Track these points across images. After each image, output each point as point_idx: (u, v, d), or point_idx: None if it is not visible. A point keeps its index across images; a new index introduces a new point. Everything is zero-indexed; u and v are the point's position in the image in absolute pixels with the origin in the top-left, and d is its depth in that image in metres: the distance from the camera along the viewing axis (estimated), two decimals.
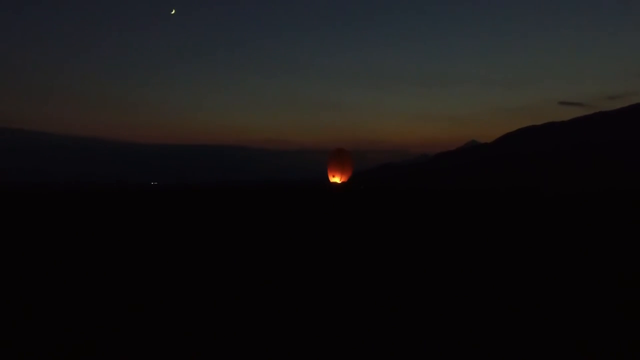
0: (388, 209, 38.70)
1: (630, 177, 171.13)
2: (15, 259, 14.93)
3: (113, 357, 7.03)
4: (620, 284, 11.18)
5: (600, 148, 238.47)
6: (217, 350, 7.24)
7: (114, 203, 54.41)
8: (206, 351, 7.24)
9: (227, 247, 17.58)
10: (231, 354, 7.14)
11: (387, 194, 69.79)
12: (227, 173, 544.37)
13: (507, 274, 12.53)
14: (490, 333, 7.81)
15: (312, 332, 7.95)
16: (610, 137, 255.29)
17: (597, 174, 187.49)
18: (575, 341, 7.48)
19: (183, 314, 8.92)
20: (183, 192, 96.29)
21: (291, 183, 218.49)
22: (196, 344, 7.49)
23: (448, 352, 7.08)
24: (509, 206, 44.01)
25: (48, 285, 11.34)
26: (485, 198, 61.13)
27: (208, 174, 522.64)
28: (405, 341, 7.50)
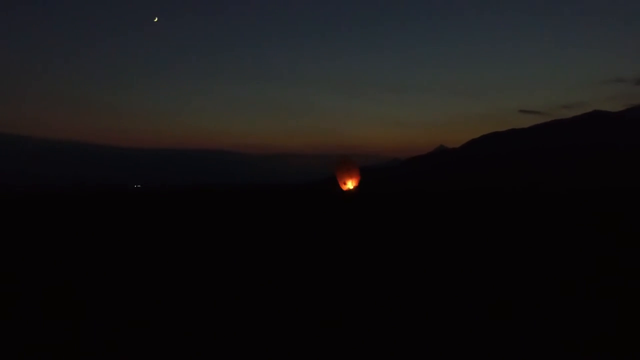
0: (393, 212, 37.80)
1: (584, 178, 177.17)
2: (15, 260, 14.28)
3: (113, 356, 6.72)
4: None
5: (557, 152, 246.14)
6: (217, 350, 6.91)
7: (105, 205, 52.88)
8: (206, 351, 6.91)
9: (228, 248, 16.96)
10: (231, 354, 6.81)
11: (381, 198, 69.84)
12: (212, 176, 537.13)
13: (499, 272, 12.10)
14: (489, 333, 7.41)
15: (312, 332, 7.58)
16: (565, 142, 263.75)
17: (554, 176, 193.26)
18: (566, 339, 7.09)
19: (183, 314, 8.55)
20: (169, 194, 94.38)
21: (283, 186, 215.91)
22: (196, 344, 7.16)
23: (448, 352, 6.83)
24: (477, 205, 44.94)
25: (48, 287, 10.80)
26: (457, 199, 62.40)
27: (192, 177, 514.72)
28: (405, 341, 7.20)
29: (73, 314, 8.74)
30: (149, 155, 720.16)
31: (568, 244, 17.17)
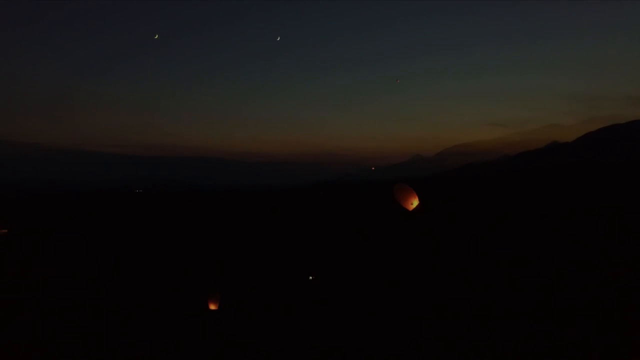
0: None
1: (542, 181, 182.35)
2: (17, 262, 13.63)
3: (112, 356, 6.41)
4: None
5: (518, 159, 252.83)
6: (215, 350, 6.55)
7: (108, 208, 51.98)
8: (205, 351, 6.55)
9: (225, 249, 15.66)
10: (231, 354, 6.47)
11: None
12: (209, 181, 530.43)
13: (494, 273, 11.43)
14: (489, 335, 7.09)
15: (313, 333, 7.27)
16: (526, 150, 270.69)
17: (516, 179, 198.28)
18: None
19: (184, 314, 7.92)
20: (180, 197, 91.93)
21: (283, 189, 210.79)
22: (195, 344, 6.88)
23: (447, 353, 6.51)
24: (451, 211, 45.52)
25: (48, 287, 10.14)
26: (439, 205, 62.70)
27: (194, 181, 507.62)
28: (405, 341, 6.87)
29: (73, 313, 8.56)
30: (154, 161, 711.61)
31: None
